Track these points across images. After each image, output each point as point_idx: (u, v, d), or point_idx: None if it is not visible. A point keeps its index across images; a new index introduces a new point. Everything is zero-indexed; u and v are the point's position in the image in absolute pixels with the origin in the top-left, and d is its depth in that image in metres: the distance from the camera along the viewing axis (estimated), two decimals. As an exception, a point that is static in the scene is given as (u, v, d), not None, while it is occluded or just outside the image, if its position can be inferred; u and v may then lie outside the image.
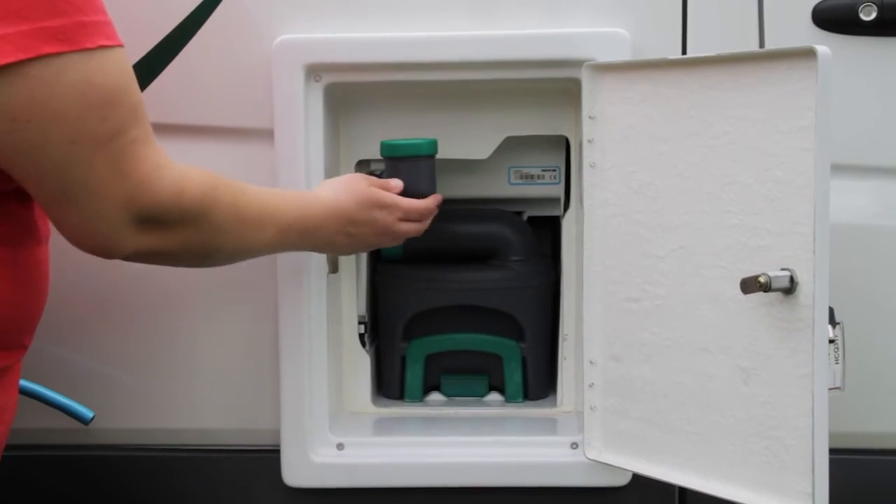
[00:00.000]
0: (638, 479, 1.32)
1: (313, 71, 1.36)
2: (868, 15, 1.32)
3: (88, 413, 1.29)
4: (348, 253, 1.39)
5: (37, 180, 0.95)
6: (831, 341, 1.27)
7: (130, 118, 0.96)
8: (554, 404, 1.52)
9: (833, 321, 1.26)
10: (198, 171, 1.03)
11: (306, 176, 1.35)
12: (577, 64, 1.30)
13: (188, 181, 1.00)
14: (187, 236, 1.02)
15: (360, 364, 1.52)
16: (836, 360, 1.28)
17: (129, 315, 1.44)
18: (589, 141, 1.30)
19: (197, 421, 1.45)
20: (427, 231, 1.53)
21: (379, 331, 1.57)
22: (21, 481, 1.46)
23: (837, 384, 1.27)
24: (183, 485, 1.46)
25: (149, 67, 1.38)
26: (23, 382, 1.18)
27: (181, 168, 1.01)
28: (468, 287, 1.52)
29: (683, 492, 1.41)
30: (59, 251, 1.42)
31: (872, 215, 1.38)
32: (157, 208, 0.98)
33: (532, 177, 1.54)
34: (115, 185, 0.95)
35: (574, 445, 1.38)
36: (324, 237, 1.21)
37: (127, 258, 1.01)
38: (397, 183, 1.31)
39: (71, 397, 1.32)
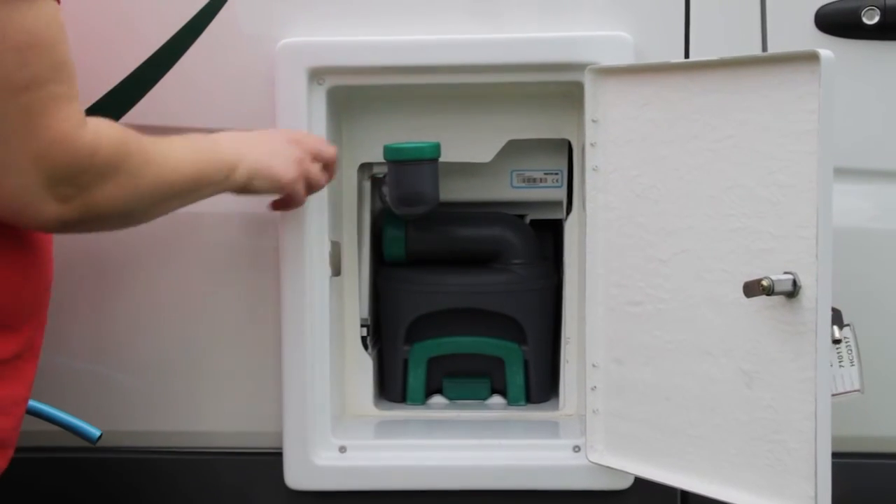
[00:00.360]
0: (640, 483, 1.32)
1: (316, 74, 1.36)
2: (871, 19, 1.32)
3: (95, 432, 1.27)
4: (293, 172, 1.22)
5: None
6: (836, 341, 1.27)
7: (53, 72, 0.92)
8: (556, 407, 1.52)
9: (841, 322, 1.26)
10: (108, 126, 0.99)
11: (309, 179, 1.35)
12: (579, 67, 1.30)
13: (102, 138, 0.96)
14: (109, 192, 0.97)
15: (363, 367, 1.52)
16: (851, 362, 1.27)
17: (130, 318, 1.43)
18: (591, 144, 1.30)
19: (199, 424, 1.45)
20: (430, 234, 1.53)
21: (381, 334, 1.57)
22: (23, 484, 1.46)
23: (856, 387, 1.27)
24: (185, 488, 1.46)
25: (152, 70, 1.38)
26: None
27: (95, 125, 0.97)
28: (470, 290, 1.52)
29: (686, 495, 1.41)
30: (59, 253, 1.42)
31: (876, 219, 1.38)
32: (71, 169, 0.94)
33: (534, 180, 1.54)
34: (26, 138, 0.91)
35: (576, 448, 1.38)
36: (262, 140, 1.20)
37: (55, 228, 0.98)
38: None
39: (73, 401, 1.32)
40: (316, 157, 1.28)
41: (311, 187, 1.28)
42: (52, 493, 1.47)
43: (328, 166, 1.30)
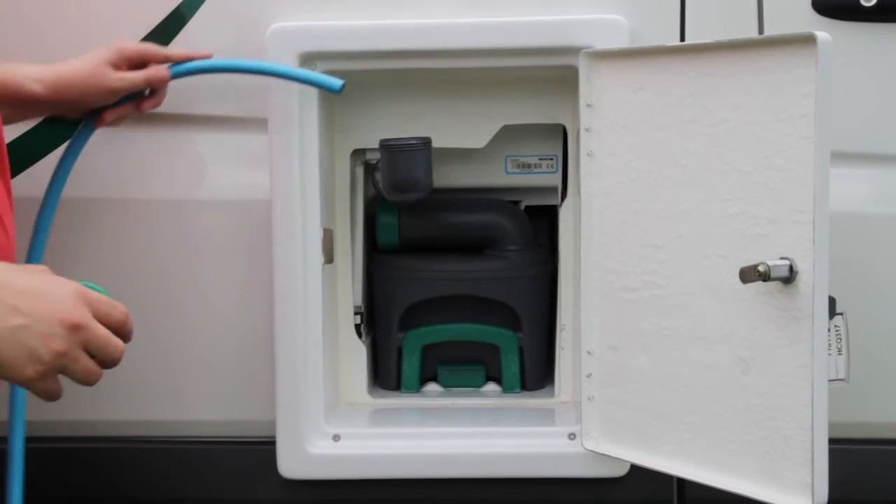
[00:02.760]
0: (636, 470, 1.31)
1: (308, 59, 1.34)
2: (868, 1, 1.31)
3: (337, 82, 1.26)
4: (26, 373, 0.90)
5: None
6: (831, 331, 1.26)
7: None
8: (551, 395, 1.51)
9: (834, 311, 1.25)
10: None
11: (300, 165, 1.34)
12: (574, 51, 1.29)
13: None
14: None
15: (357, 355, 1.51)
16: (839, 351, 1.27)
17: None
18: (586, 129, 1.29)
19: (192, 413, 1.44)
20: (423, 221, 1.52)
21: (375, 321, 1.56)
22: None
23: (841, 375, 1.26)
24: (178, 477, 1.45)
25: (141, 56, 1.37)
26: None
27: None
28: (465, 277, 1.51)
29: (681, 482, 1.40)
30: (56, 247, 1.41)
31: (873, 203, 1.37)
32: None
33: (529, 166, 1.53)
34: None
35: (572, 436, 1.37)
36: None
37: None
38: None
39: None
40: (103, 320, 0.95)
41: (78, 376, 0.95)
42: (40, 484, 1.46)
43: (119, 332, 0.97)
